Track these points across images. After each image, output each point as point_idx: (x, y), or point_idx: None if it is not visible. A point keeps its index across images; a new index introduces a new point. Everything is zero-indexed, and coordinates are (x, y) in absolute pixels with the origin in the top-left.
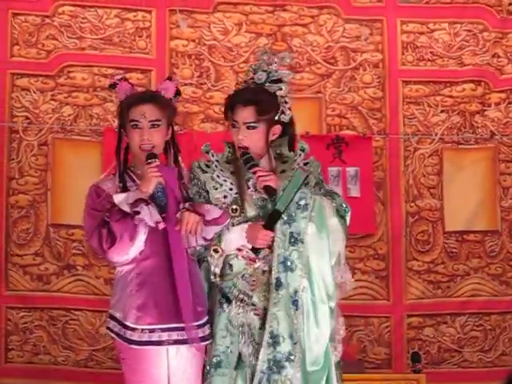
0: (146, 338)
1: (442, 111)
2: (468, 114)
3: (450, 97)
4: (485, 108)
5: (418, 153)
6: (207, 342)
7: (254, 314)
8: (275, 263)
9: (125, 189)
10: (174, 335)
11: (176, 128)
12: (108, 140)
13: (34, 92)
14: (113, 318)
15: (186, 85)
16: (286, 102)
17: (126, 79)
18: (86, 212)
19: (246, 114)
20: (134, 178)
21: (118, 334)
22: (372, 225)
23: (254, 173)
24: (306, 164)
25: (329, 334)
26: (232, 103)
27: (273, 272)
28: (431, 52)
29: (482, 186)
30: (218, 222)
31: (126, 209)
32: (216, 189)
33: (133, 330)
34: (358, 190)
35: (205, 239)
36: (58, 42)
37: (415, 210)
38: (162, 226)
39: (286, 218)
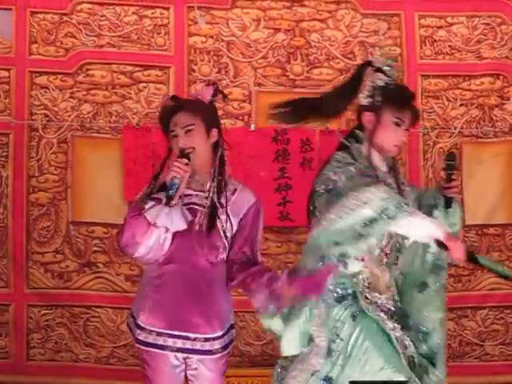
0: (151, 339)
1: (460, 105)
2: (487, 108)
3: (469, 90)
4: (504, 101)
5: (438, 147)
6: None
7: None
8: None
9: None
10: (179, 343)
11: None
12: (127, 137)
13: (53, 90)
14: (131, 315)
15: (204, 81)
16: None
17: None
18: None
19: None
20: None
21: (131, 331)
22: None
23: None
24: None
25: None
26: None
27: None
28: (449, 46)
29: (502, 179)
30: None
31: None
32: None
33: (141, 329)
34: None
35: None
36: (76, 39)
37: None
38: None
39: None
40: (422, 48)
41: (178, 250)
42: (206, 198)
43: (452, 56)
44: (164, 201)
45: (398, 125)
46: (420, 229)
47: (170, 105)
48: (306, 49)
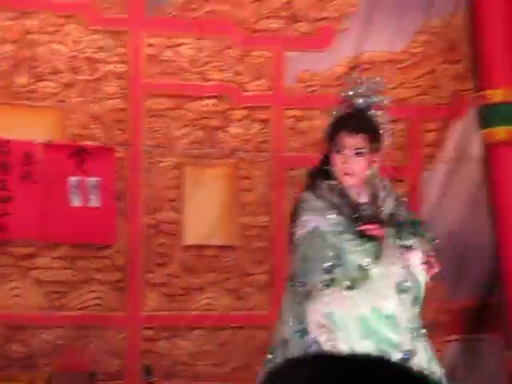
0: None
1: (185, 125)
2: (210, 129)
3: (194, 111)
4: (227, 124)
5: (160, 166)
6: None
7: None
8: None
9: None
10: None
11: None
12: None
13: None
14: None
15: None
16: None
17: None
18: None
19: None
20: None
21: None
22: (111, 235)
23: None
24: None
25: None
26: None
27: None
28: (176, 66)
29: (222, 200)
30: None
31: None
32: None
33: None
34: (98, 201)
35: None
36: None
37: (155, 222)
38: None
39: None
40: (148, 67)
41: None
42: None
43: (178, 76)
44: None
45: (338, 151)
46: None
47: None
48: (32, 61)
